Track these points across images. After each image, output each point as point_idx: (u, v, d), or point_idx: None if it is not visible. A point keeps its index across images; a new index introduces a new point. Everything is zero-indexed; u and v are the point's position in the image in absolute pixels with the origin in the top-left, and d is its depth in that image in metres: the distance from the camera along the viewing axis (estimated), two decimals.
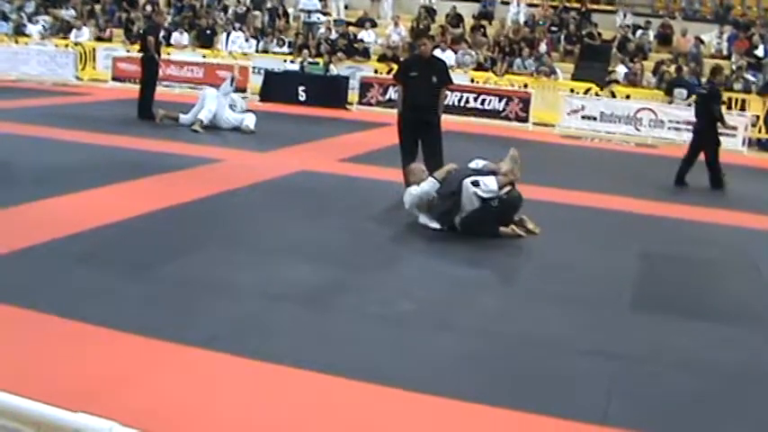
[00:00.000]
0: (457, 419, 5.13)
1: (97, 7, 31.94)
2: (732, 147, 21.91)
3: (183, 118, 17.62)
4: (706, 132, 15.37)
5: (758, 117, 23.01)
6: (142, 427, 2.79)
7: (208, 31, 28.78)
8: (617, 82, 24.95)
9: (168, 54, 25.74)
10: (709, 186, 15.06)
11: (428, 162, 11.30)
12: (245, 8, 30.61)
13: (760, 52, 26.00)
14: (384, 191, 11.01)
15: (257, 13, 30.34)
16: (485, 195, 9.59)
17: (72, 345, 5.79)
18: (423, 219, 10.00)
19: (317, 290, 7.43)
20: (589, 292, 8.07)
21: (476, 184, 9.59)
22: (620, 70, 25.31)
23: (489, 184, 9.60)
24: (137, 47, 22.12)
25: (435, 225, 9.90)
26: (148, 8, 29.22)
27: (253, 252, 8.58)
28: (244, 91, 23.86)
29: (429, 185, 9.93)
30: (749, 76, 24.38)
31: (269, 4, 30.95)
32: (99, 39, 29.17)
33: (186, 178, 12.13)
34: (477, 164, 10.30)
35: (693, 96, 20.68)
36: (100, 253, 8.10)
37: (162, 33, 21.34)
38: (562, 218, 11.33)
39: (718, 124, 15.51)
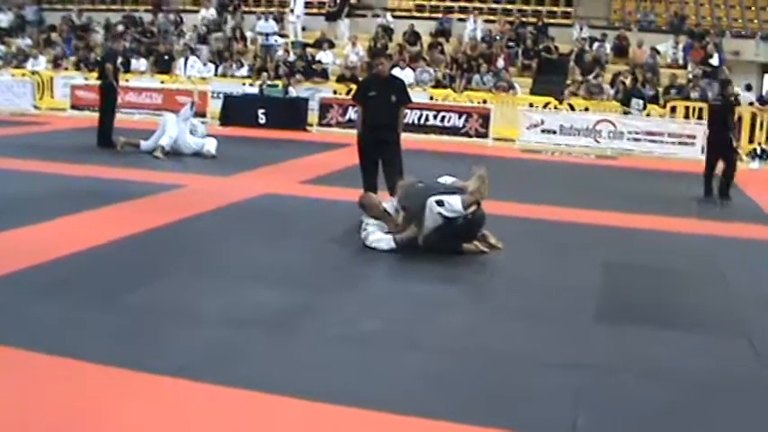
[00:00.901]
0: None
1: (54, 35, 31.84)
2: (691, 154, 22.15)
3: (144, 144, 17.54)
4: (721, 143, 15.88)
5: None
6: None
7: (166, 57, 28.72)
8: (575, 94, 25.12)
9: (127, 81, 25.62)
10: (717, 194, 15.61)
11: (389, 181, 11.31)
12: (205, 28, 30.66)
13: (715, 61, 26.28)
14: (346, 211, 11.01)
15: (219, 34, 30.36)
16: (449, 215, 9.58)
17: (39, 377, 5.73)
18: (380, 243, 9.94)
19: (283, 313, 7.42)
20: (554, 305, 8.11)
21: (440, 203, 9.56)
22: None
23: (454, 203, 9.57)
24: (95, 74, 22.02)
25: (390, 246, 9.88)
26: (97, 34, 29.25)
27: (218, 277, 8.55)
28: (203, 116, 23.82)
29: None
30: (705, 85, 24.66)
31: (230, 25, 30.99)
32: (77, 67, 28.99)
33: (149, 205, 12.07)
34: (445, 180, 10.29)
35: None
36: (63, 283, 8.03)
37: (120, 60, 21.24)
38: (525, 232, 11.38)
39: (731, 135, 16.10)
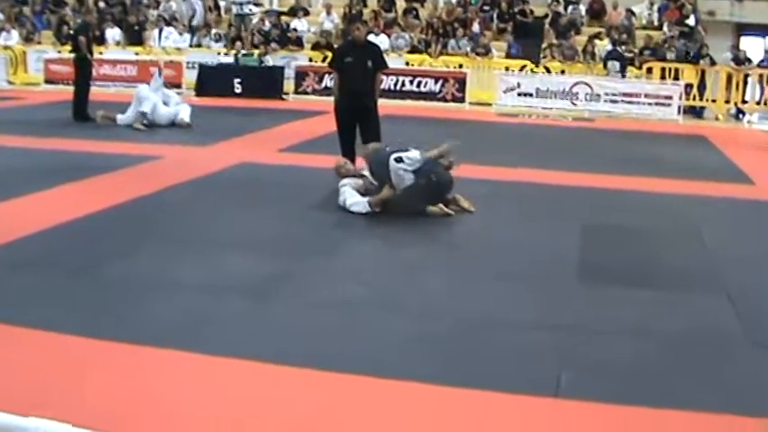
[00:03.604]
0: (413, 401, 5.15)
1: (26, 9, 31.47)
2: (668, 115, 22.22)
3: (121, 118, 17.39)
4: None
5: (692, 85, 23.29)
6: (96, 427, 2.78)
7: (136, 28, 28.44)
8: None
9: (101, 53, 25.38)
10: None
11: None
12: None
13: (691, 21, 26.27)
14: (324, 178, 11.00)
15: None
16: (410, 168, 9.63)
17: (17, 349, 5.72)
18: (355, 206, 10.00)
19: (264, 280, 7.42)
20: (535, 267, 8.14)
21: (399, 160, 9.65)
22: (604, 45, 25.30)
23: (413, 156, 9.69)
24: (68, 47, 21.84)
25: (366, 209, 9.94)
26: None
27: (197, 247, 8.54)
28: (179, 86, 23.71)
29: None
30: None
31: None
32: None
33: (127, 177, 12.02)
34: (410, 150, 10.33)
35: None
36: (41, 257, 8.00)
37: (91, 32, 21.01)
38: (503, 194, 11.42)
39: None
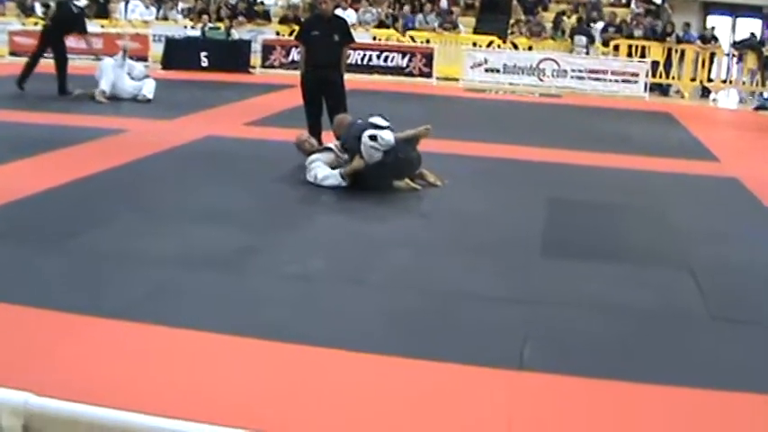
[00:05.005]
0: (376, 373, 5.17)
1: None
2: (634, 92, 22.32)
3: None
4: None
5: (658, 63, 23.38)
6: (62, 397, 2.76)
7: (102, 0, 28.16)
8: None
9: None
10: None
11: (333, 120, 11.33)
12: None
13: None
14: (290, 152, 10.96)
15: None
16: (382, 148, 9.64)
17: None
18: (327, 180, 10.02)
19: (230, 254, 7.41)
20: (500, 241, 8.17)
21: (373, 138, 9.64)
22: (598, 26, 25.26)
23: (387, 137, 9.67)
24: (33, 20, 21.57)
25: (339, 181, 9.96)
26: None
27: (163, 220, 8.52)
28: (145, 60, 23.53)
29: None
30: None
31: None
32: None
33: (92, 150, 11.94)
34: (377, 120, 10.31)
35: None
36: (8, 230, 7.95)
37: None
38: (470, 170, 11.41)
39: None
